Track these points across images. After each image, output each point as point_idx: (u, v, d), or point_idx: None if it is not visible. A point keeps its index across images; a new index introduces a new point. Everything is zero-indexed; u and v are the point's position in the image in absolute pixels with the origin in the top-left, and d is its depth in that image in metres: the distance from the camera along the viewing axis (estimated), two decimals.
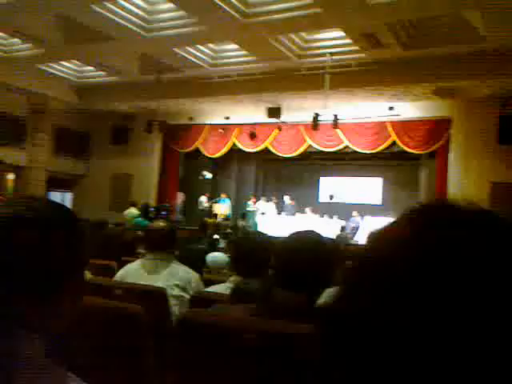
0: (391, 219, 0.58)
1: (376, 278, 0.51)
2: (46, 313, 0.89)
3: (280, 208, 17.66)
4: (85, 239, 0.98)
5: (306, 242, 1.81)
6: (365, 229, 14.76)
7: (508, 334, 0.45)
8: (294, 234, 1.88)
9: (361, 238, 14.57)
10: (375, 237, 0.57)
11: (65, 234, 0.92)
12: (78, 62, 14.34)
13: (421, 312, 0.47)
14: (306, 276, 1.73)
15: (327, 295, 1.80)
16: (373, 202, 17.98)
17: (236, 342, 1.67)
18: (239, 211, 17.76)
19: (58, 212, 0.95)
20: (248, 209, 17.72)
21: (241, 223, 15.21)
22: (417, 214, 0.56)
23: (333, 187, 18.35)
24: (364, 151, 14.77)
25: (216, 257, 4.93)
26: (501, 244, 0.50)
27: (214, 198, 18.28)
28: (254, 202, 17.81)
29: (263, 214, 17.36)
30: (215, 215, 15.59)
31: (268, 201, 17.97)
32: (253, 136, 15.47)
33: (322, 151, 15.55)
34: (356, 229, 15.56)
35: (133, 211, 14.07)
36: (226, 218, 16.15)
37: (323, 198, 18.27)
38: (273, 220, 16.35)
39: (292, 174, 19.35)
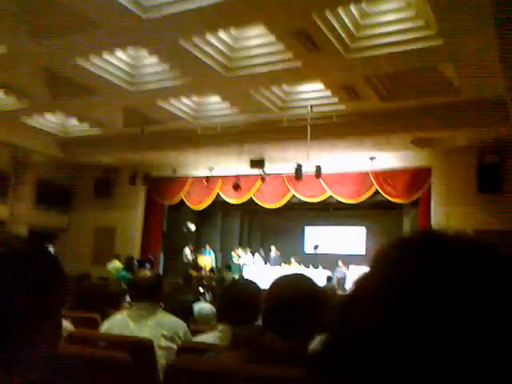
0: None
1: (362, 318, 0.51)
2: (21, 352, 0.87)
3: (266, 259, 17.70)
4: (64, 279, 0.96)
5: (293, 283, 1.83)
6: (351, 278, 14.74)
7: (490, 354, 0.45)
8: (282, 276, 1.89)
9: (348, 288, 14.46)
10: (358, 279, 0.58)
11: (42, 271, 0.90)
12: (62, 115, 14.43)
13: (414, 343, 0.47)
14: (294, 319, 1.72)
15: (318, 341, 1.81)
16: (357, 252, 18.03)
17: None
18: (224, 263, 17.69)
19: (35, 251, 0.93)
20: (234, 260, 17.67)
21: (229, 275, 15.09)
22: (396, 246, 0.58)
23: (318, 237, 18.40)
24: (347, 201, 14.92)
25: (203, 308, 4.87)
26: (487, 269, 0.50)
27: (198, 249, 18.18)
28: (237, 254, 17.83)
29: (246, 265, 17.30)
30: (200, 268, 15.46)
31: (253, 252, 18.00)
32: (237, 187, 15.56)
33: (305, 201, 15.68)
34: (343, 279, 15.55)
35: (116, 264, 13.91)
36: (211, 270, 16.02)
37: (308, 248, 18.27)
38: (258, 271, 16.25)
39: (277, 225, 19.41)
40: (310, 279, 1.90)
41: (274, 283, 1.87)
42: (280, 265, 16.87)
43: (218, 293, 7.48)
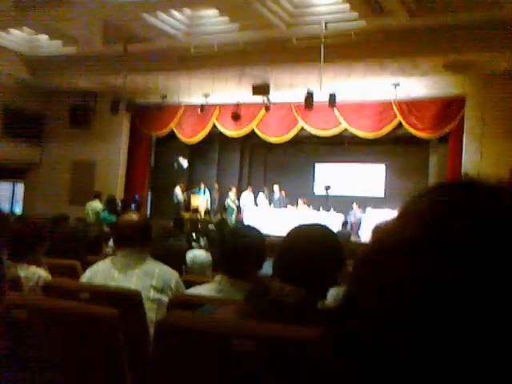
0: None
1: (392, 275, 0.51)
2: None
3: (269, 200, 17.91)
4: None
5: (313, 233, 1.92)
6: (367, 223, 14.92)
7: None
8: (299, 226, 1.97)
9: (364, 234, 14.73)
10: (383, 228, 0.57)
11: None
12: (30, 31, 14.15)
13: (455, 311, 0.47)
14: (310, 269, 1.81)
15: (333, 296, 1.85)
16: (375, 194, 18.17)
17: (224, 349, 1.69)
18: (221, 204, 17.90)
19: None
20: (229, 201, 17.87)
21: (229, 219, 15.34)
22: (432, 196, 0.56)
23: (330, 176, 18.48)
24: (365, 135, 14.86)
25: (197, 256, 4.94)
26: None
27: (190, 189, 18.31)
28: (237, 194, 18.04)
29: (245, 207, 17.50)
30: (193, 210, 15.59)
31: (256, 192, 18.20)
32: (236, 117, 15.47)
33: (316, 135, 15.63)
34: (358, 224, 15.76)
35: (97, 205, 14.03)
36: (206, 213, 16.20)
37: (319, 189, 18.39)
38: (260, 214, 16.44)
39: (282, 162, 19.47)
40: (332, 231, 2.00)
41: (291, 232, 1.95)
42: (286, 207, 17.05)
43: (215, 238, 7.58)
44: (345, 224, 14.87)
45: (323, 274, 1.83)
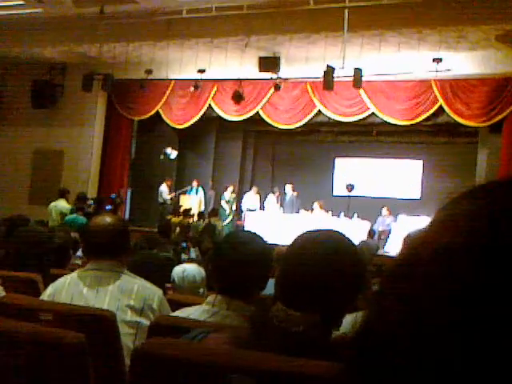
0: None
1: (424, 298, 0.51)
2: None
3: (281, 203, 17.99)
4: None
5: (326, 243, 1.83)
6: (399, 233, 14.89)
7: None
8: (307, 232, 1.89)
9: (393, 247, 14.71)
10: (416, 236, 0.57)
11: None
12: None
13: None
14: (321, 289, 1.75)
15: (351, 323, 1.84)
16: (409, 195, 18.17)
17: None
18: (217, 205, 17.98)
19: None
20: (222, 203, 18.00)
21: (220, 224, 15.29)
22: (479, 197, 0.56)
23: (353, 174, 18.47)
24: (398, 122, 14.85)
25: (187, 270, 4.95)
26: None
27: (180, 186, 18.33)
28: (236, 193, 18.14)
29: (251, 210, 17.53)
30: (183, 212, 15.61)
31: (265, 193, 18.29)
32: (238, 98, 15.46)
33: (337, 121, 15.64)
34: (387, 233, 15.77)
35: (63, 205, 14.01)
36: (199, 216, 16.20)
37: (340, 189, 18.38)
38: (266, 220, 16.44)
39: (294, 155, 19.48)
40: (350, 241, 1.91)
41: (295, 242, 1.88)
42: (298, 211, 17.05)
43: (209, 249, 7.60)
44: (371, 233, 14.86)
45: (338, 296, 1.77)
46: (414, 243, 0.56)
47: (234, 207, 18.22)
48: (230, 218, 17.85)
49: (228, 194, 18.14)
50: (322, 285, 1.76)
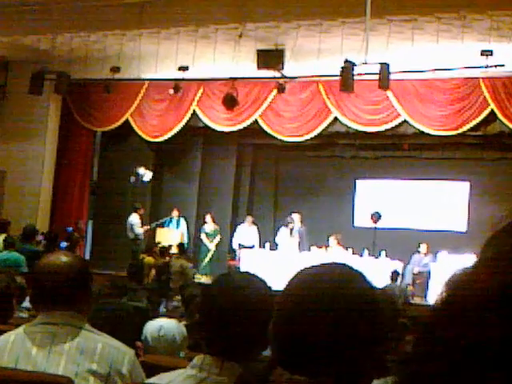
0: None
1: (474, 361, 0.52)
2: None
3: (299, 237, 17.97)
4: None
5: (333, 284, 1.77)
6: (440, 276, 14.88)
7: None
8: (307, 269, 1.85)
9: (433, 293, 14.66)
10: (461, 278, 0.60)
11: None
12: None
13: None
14: (330, 350, 1.70)
15: None
16: (452, 227, 18.14)
17: None
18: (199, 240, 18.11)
19: None
20: (202, 237, 18.24)
21: (185, 264, 15.15)
22: None
23: (379, 200, 18.46)
24: (437, 133, 14.88)
25: (165, 327, 4.94)
26: None
27: (156, 217, 18.33)
28: (214, 221, 18.31)
29: (246, 247, 17.57)
30: (160, 251, 15.56)
31: (278, 225, 18.37)
32: (231, 102, 15.50)
33: (358, 132, 15.68)
34: (425, 276, 15.75)
35: (4, 239, 13.96)
36: (181, 253, 16.14)
37: (361, 219, 18.37)
38: (267, 259, 16.44)
39: (303, 175, 19.49)
40: (363, 277, 1.85)
41: (290, 284, 1.84)
42: (309, 249, 17.03)
43: (195, 297, 7.59)
44: (395, 276, 14.77)
45: (353, 354, 1.71)
46: (457, 287, 0.59)
47: (216, 240, 18.24)
48: (209, 255, 17.90)
49: (209, 226, 18.15)
50: (331, 340, 1.71)
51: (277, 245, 17.88)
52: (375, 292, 1.86)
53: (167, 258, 15.21)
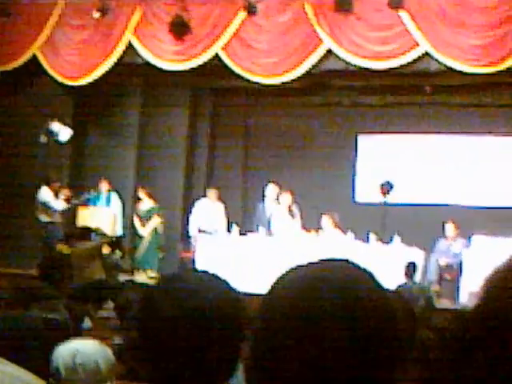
0: None
1: None
2: None
3: (260, 216, 17.85)
4: None
5: (333, 291, 1.77)
6: (477, 269, 14.92)
7: None
8: (296, 270, 1.86)
9: (467, 294, 14.73)
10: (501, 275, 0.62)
11: None
12: None
13: None
14: (323, 376, 1.72)
15: None
16: (492, 202, 18.30)
17: None
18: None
19: None
20: (134, 220, 18.32)
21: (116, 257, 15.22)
22: None
23: (390, 164, 18.55)
24: (470, 70, 14.90)
25: (80, 352, 4.92)
26: None
27: (77, 192, 18.29)
28: (150, 196, 18.22)
29: (208, 232, 17.64)
30: (83, 236, 15.53)
31: (254, 199, 18.36)
32: (181, 29, 15.49)
33: (361, 69, 15.67)
34: (456, 270, 15.77)
35: None
36: (113, 244, 16.14)
37: (365, 191, 18.51)
38: (236, 247, 16.48)
39: (284, 131, 19.61)
40: (379, 285, 1.86)
41: (275, 291, 1.85)
42: (292, 231, 17.08)
43: (130, 303, 7.63)
44: (411, 270, 14.76)
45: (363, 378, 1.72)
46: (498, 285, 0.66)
47: (152, 224, 18.08)
48: (145, 246, 17.80)
49: (142, 204, 18.11)
50: (341, 368, 1.72)
51: (248, 230, 17.82)
52: (390, 299, 1.88)
53: (117, 252, 15.27)
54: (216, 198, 18.38)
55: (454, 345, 0.61)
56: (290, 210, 17.40)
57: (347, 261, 1.90)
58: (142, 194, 18.26)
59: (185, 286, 2.79)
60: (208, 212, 18.27)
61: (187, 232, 18.33)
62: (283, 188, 17.81)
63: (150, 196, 18.24)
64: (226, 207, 18.46)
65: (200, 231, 17.94)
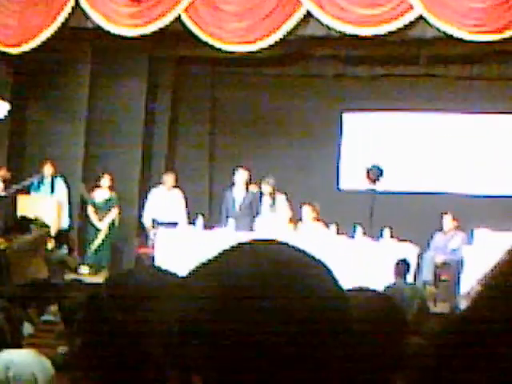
0: None
1: None
2: None
3: (228, 207, 17.84)
4: None
5: (279, 283, 1.70)
6: (478, 268, 14.97)
7: None
8: (234, 250, 1.81)
9: (467, 296, 14.76)
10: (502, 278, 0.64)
11: None
12: None
13: None
14: None
15: None
16: (495, 191, 18.40)
17: None
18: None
19: None
20: (88, 210, 18.40)
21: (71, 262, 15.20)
22: None
23: (379, 145, 18.58)
24: (471, 37, 14.94)
25: (16, 364, 4.94)
26: None
27: (17, 176, 18.26)
28: (112, 184, 18.26)
29: (171, 224, 17.65)
30: (21, 225, 15.51)
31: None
32: None
33: (346, 36, 15.68)
34: (455, 267, 15.81)
35: None
36: (60, 235, 16.13)
37: (351, 177, 18.54)
38: (194, 245, 16.49)
39: (257, 107, 19.65)
40: (321, 267, 1.79)
41: (197, 276, 1.81)
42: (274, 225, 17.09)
43: (75, 308, 7.65)
44: (403, 269, 14.78)
45: None
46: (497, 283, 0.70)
47: (111, 216, 18.06)
48: (100, 240, 17.78)
49: (100, 193, 18.12)
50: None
51: (216, 223, 17.92)
52: (343, 294, 1.82)
53: (63, 247, 15.24)
54: (173, 184, 18.38)
55: (449, 352, 0.63)
56: (273, 199, 17.41)
57: (288, 244, 1.83)
58: (106, 181, 18.25)
59: (136, 286, 2.80)
60: (164, 201, 18.28)
61: (141, 224, 18.31)
62: (266, 177, 17.80)
63: (113, 184, 18.27)
64: (186, 195, 18.48)
65: (154, 223, 17.98)
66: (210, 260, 1.82)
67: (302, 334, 1.68)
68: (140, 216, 18.47)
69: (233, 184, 17.94)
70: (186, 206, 18.38)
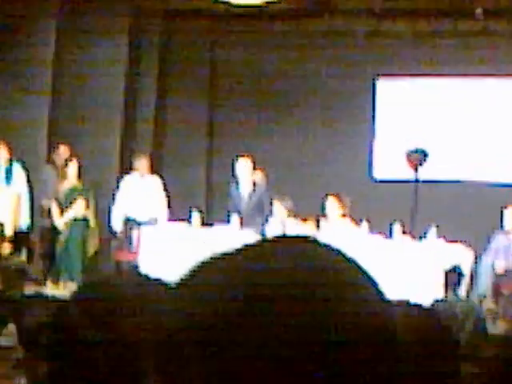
0: None
1: None
2: None
3: (238, 201, 17.90)
4: None
5: (308, 287, 1.65)
6: None
7: None
8: (244, 250, 1.72)
9: None
10: None
11: None
12: None
13: None
14: None
15: None
16: None
17: None
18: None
19: None
20: (52, 205, 18.21)
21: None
22: None
23: (423, 123, 18.55)
24: None
25: None
26: None
27: None
28: (79, 172, 17.99)
29: (148, 224, 17.61)
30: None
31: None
32: None
33: None
34: None
35: None
36: (18, 237, 16.17)
37: (387, 163, 18.49)
38: (189, 247, 16.45)
39: (268, 72, 19.67)
40: (358, 269, 1.73)
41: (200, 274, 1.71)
42: (268, 222, 17.14)
43: (36, 327, 7.57)
44: (455, 278, 14.77)
45: None
46: None
47: (75, 212, 17.99)
48: (64, 240, 17.77)
49: (67, 183, 17.98)
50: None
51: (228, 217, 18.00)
52: (391, 310, 1.81)
53: (22, 253, 15.31)
54: (147, 170, 18.31)
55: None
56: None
57: (316, 240, 1.77)
58: (73, 168, 18.01)
59: (115, 298, 2.88)
60: (137, 192, 18.22)
61: (129, 220, 18.25)
62: (280, 196, 17.77)
63: (79, 171, 17.94)
64: (165, 184, 18.41)
65: (126, 223, 17.94)
66: (219, 260, 1.76)
67: (343, 357, 1.62)
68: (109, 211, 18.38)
69: (235, 176, 17.93)
70: (168, 197, 18.21)
